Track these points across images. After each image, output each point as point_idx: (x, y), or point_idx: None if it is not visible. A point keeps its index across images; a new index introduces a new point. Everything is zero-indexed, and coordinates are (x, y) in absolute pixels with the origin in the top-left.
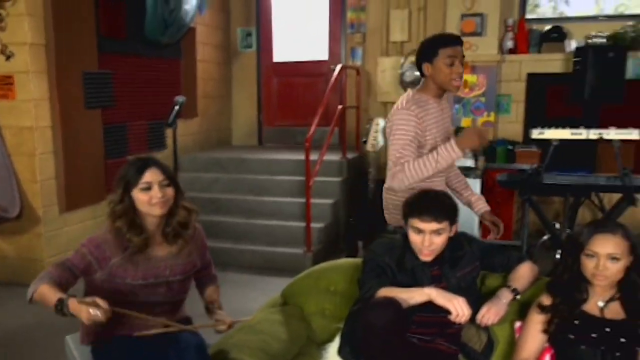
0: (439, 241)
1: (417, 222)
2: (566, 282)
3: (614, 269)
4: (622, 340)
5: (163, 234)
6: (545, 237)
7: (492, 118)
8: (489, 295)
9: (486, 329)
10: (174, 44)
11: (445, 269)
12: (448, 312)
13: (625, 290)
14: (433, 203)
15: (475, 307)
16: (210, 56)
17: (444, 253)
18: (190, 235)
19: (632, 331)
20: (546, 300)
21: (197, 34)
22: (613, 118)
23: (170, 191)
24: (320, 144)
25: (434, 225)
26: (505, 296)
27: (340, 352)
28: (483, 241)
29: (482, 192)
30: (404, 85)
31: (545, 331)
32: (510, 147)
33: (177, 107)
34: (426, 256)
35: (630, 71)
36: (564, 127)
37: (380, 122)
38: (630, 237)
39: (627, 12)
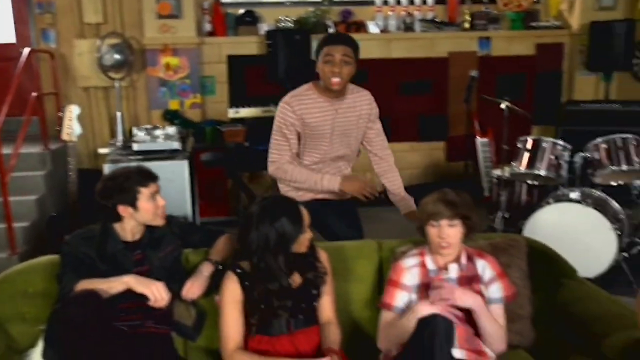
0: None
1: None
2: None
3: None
4: (303, 305)
5: None
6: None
7: (199, 99)
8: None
9: (194, 303)
10: None
11: (148, 252)
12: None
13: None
14: None
15: (182, 284)
16: None
17: (143, 236)
18: None
19: (309, 295)
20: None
21: None
22: None
23: None
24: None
25: None
26: (207, 269)
27: (44, 355)
28: (183, 220)
29: (192, 173)
30: (104, 69)
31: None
32: (218, 126)
33: None
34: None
35: (314, 52)
36: (256, 105)
37: (75, 109)
38: None
39: None
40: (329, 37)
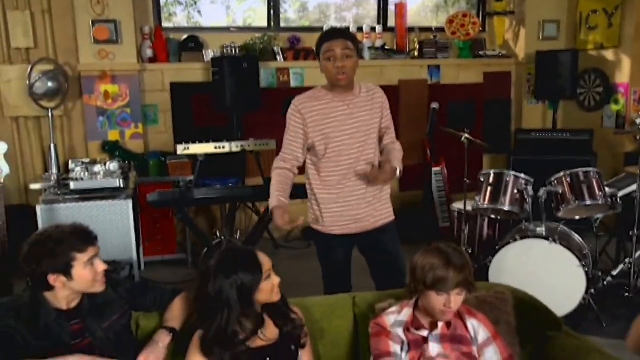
0: None
1: None
2: (221, 339)
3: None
4: None
5: None
6: (205, 250)
7: (140, 129)
8: (148, 338)
9: None
10: None
11: (89, 321)
12: None
13: (267, 306)
14: None
15: (132, 355)
16: None
17: (82, 302)
18: None
19: (287, 350)
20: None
21: None
22: (254, 124)
23: None
24: None
25: None
26: (163, 339)
27: None
28: (131, 281)
29: (135, 210)
30: (35, 97)
31: None
32: (162, 158)
33: None
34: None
35: (263, 80)
36: (207, 140)
37: (2, 146)
38: None
39: (254, 24)
40: (326, 33)
